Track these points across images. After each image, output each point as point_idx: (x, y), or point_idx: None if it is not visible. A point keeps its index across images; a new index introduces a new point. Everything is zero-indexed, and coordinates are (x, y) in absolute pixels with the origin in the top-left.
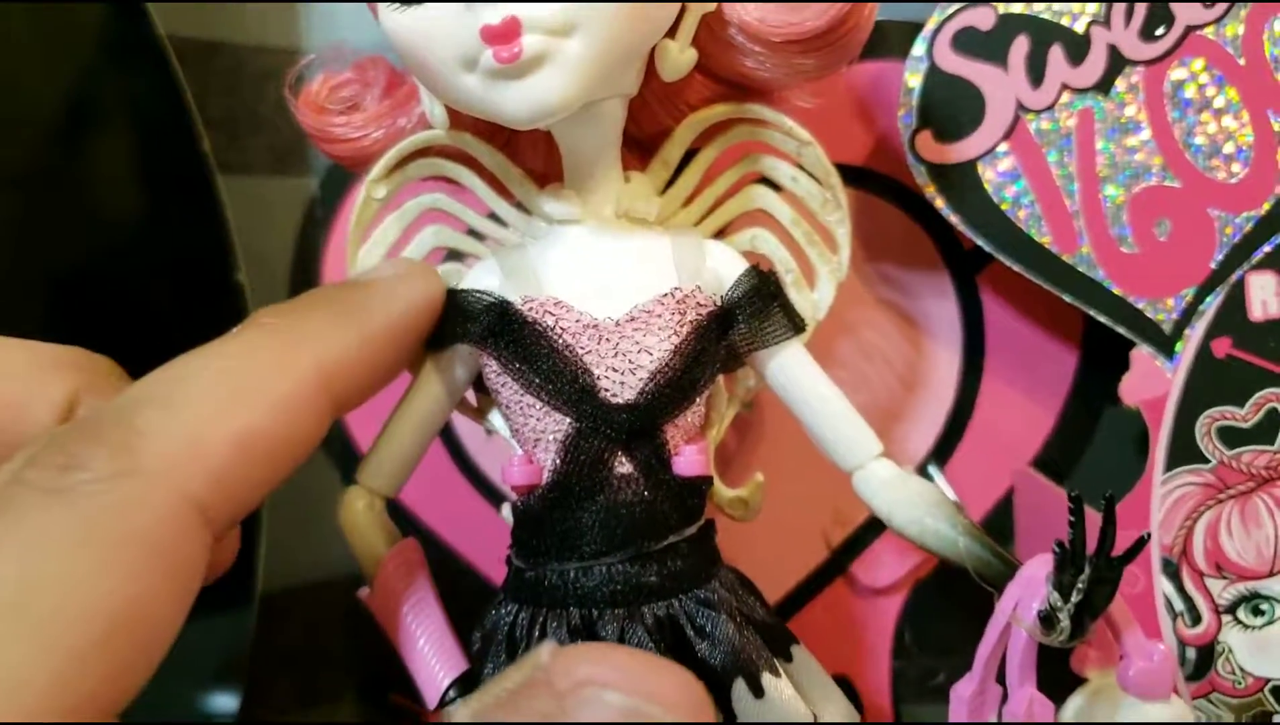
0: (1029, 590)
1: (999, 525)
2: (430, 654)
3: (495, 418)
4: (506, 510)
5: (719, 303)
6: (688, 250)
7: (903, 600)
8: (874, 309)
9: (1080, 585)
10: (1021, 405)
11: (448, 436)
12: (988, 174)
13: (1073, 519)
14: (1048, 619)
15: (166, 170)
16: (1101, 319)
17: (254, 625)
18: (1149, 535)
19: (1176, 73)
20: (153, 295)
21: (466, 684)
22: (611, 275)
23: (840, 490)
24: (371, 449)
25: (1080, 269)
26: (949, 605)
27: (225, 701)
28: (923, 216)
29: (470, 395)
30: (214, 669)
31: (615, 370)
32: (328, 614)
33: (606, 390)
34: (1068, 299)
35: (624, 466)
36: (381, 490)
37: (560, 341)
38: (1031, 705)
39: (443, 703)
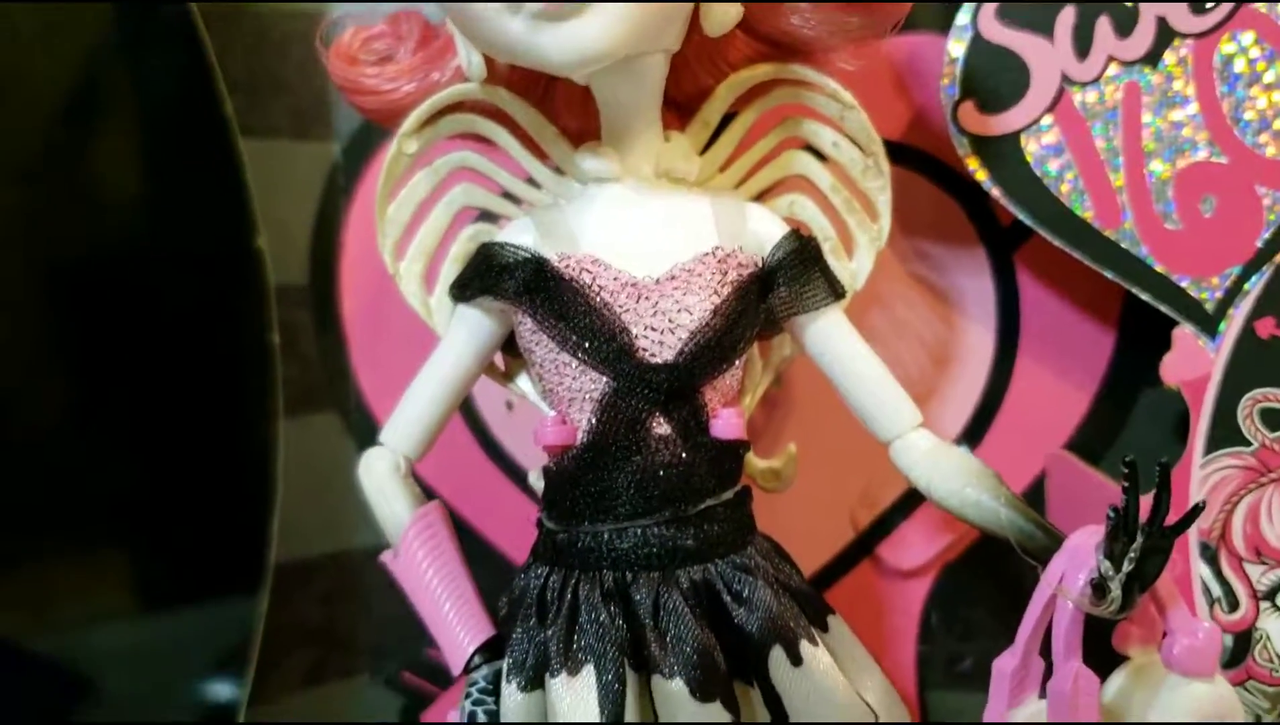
0: (1075, 561)
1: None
2: (455, 619)
3: (522, 382)
4: (534, 476)
5: (760, 264)
6: (728, 211)
7: (930, 583)
8: (908, 285)
9: (1132, 554)
10: (1056, 386)
11: (468, 411)
12: (1031, 146)
13: (1126, 485)
14: (1100, 588)
15: (188, 131)
16: (1143, 297)
17: (265, 606)
18: (1204, 504)
19: (1227, 46)
20: (172, 258)
21: (492, 650)
22: (651, 234)
23: (868, 471)
24: (396, 409)
25: (1123, 245)
26: (977, 589)
27: (225, 690)
28: (960, 192)
29: (498, 358)
30: (217, 656)
31: (654, 329)
32: (342, 588)
33: (645, 350)
34: (1109, 275)
35: (662, 427)
36: (406, 451)
37: (598, 299)
38: (1077, 679)
39: (468, 668)
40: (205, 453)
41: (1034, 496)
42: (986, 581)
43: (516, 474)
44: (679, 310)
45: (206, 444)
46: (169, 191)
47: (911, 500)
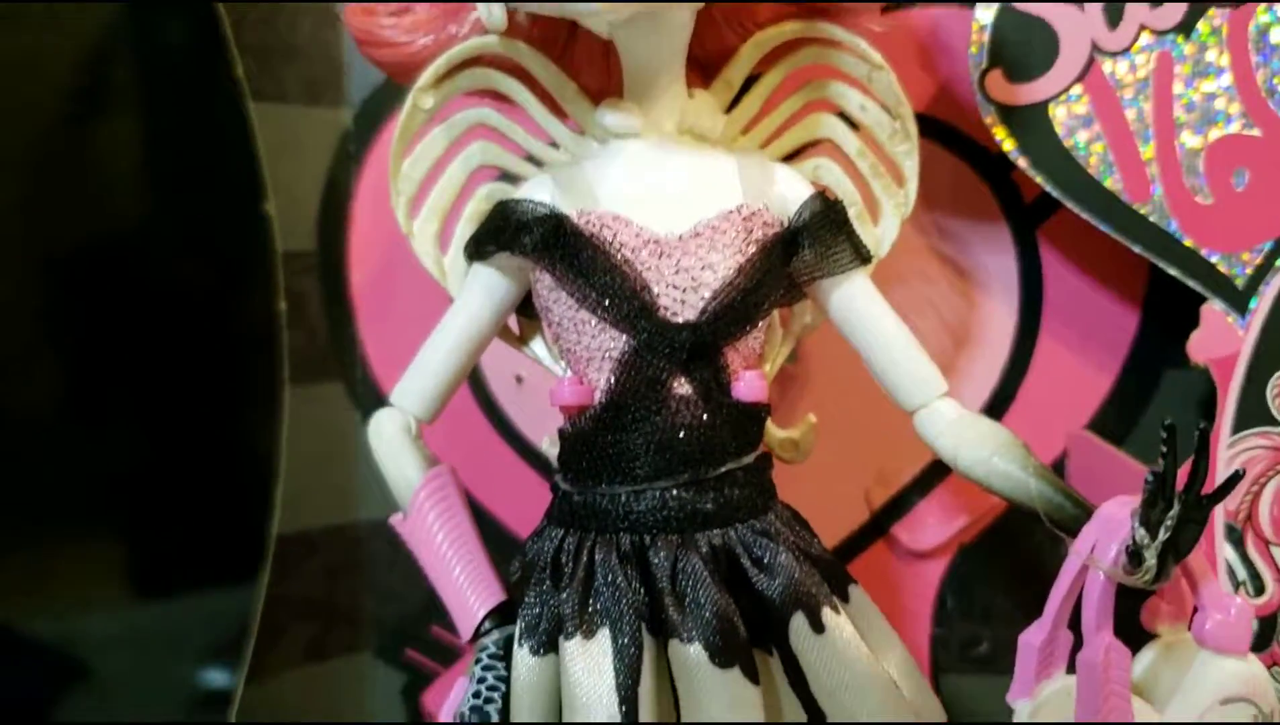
0: (1107, 531)
1: None
2: (465, 583)
3: (536, 346)
4: (548, 442)
5: (785, 225)
6: (754, 170)
7: (946, 565)
8: (928, 261)
9: (1168, 522)
10: (1079, 364)
11: (476, 385)
12: (1059, 116)
13: (1165, 450)
14: (1135, 555)
15: (199, 94)
16: (1172, 272)
17: (266, 578)
18: (1243, 472)
19: (1263, 16)
20: (180, 222)
21: (503, 614)
22: (674, 190)
23: (883, 450)
24: (408, 370)
25: (1152, 219)
26: (994, 571)
27: (219, 677)
28: (983, 166)
29: (511, 321)
30: (213, 644)
31: (676, 287)
32: (345, 562)
33: (666, 308)
34: (1137, 250)
35: (682, 388)
36: (417, 413)
37: (619, 256)
38: (1109, 652)
39: (478, 633)
40: (209, 424)
41: None
42: (1004, 563)
43: (525, 449)
44: (702, 268)
45: (210, 415)
46: (179, 154)
47: (928, 479)
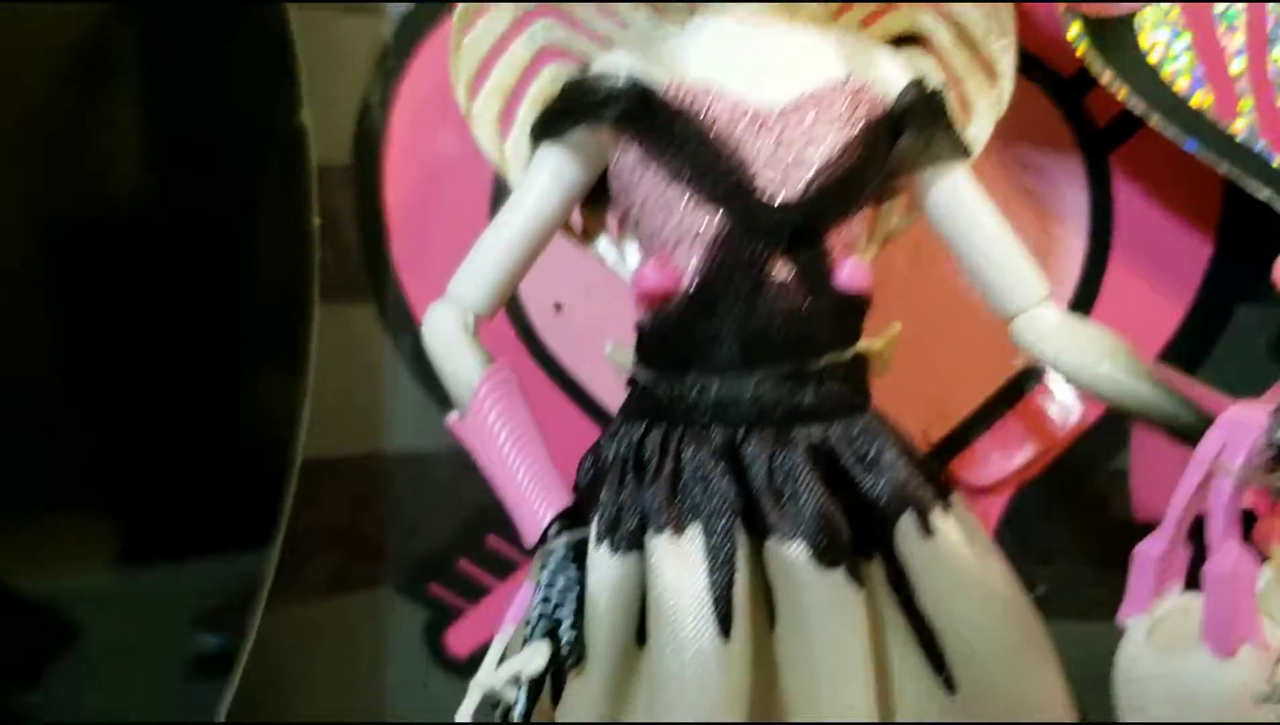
0: (1236, 434)
1: (1116, 426)
2: (530, 487)
3: (601, 246)
4: (611, 348)
5: (887, 109)
6: (857, 47)
7: (1005, 503)
8: (995, 185)
9: None
10: (1148, 296)
11: (514, 313)
12: (1146, 30)
13: None
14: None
15: None
16: (1261, 195)
17: (289, 502)
18: None
19: None
20: (213, 125)
21: (571, 519)
22: (772, 59)
23: (943, 383)
24: (466, 260)
25: (1240, 138)
26: (1056, 510)
27: (213, 643)
28: (1055, 90)
29: (574, 217)
30: (213, 610)
31: (777, 164)
32: (371, 492)
33: (765, 187)
34: (1223, 169)
35: (781, 273)
36: (476, 307)
37: (714, 130)
38: (1238, 561)
39: (544, 539)
40: (236, 348)
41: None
42: (1067, 502)
43: (565, 380)
44: (806, 143)
45: (238, 339)
46: (215, 59)
47: (988, 414)
